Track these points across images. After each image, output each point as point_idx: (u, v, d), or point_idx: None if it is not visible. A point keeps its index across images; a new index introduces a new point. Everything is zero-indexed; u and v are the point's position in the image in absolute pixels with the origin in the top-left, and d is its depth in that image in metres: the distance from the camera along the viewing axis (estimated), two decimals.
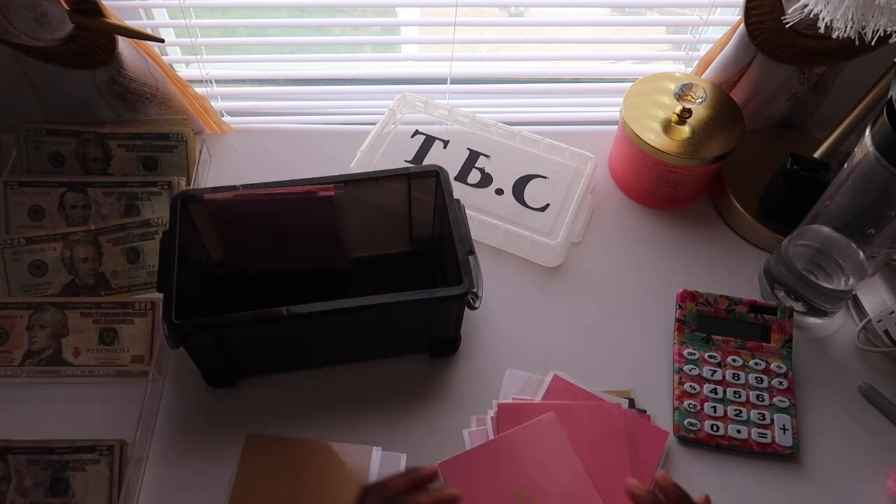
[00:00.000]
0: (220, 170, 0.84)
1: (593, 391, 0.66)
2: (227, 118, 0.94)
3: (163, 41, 0.74)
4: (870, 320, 0.71)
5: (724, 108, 0.79)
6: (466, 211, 0.66)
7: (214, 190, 0.64)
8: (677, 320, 0.71)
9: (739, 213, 0.79)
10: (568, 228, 0.76)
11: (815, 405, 0.68)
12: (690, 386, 0.67)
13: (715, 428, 0.64)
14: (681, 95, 0.76)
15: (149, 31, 0.73)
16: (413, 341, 0.68)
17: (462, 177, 0.81)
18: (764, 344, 0.69)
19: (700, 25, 0.91)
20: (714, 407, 0.65)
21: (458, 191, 0.76)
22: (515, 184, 0.81)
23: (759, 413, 0.65)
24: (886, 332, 0.69)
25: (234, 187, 0.64)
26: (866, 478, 0.64)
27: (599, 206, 0.83)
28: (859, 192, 0.63)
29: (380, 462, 0.62)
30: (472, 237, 0.64)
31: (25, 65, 0.73)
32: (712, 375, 0.67)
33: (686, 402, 0.66)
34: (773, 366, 0.68)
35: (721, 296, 0.71)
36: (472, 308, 0.61)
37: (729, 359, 0.68)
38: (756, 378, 0.67)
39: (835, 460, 0.64)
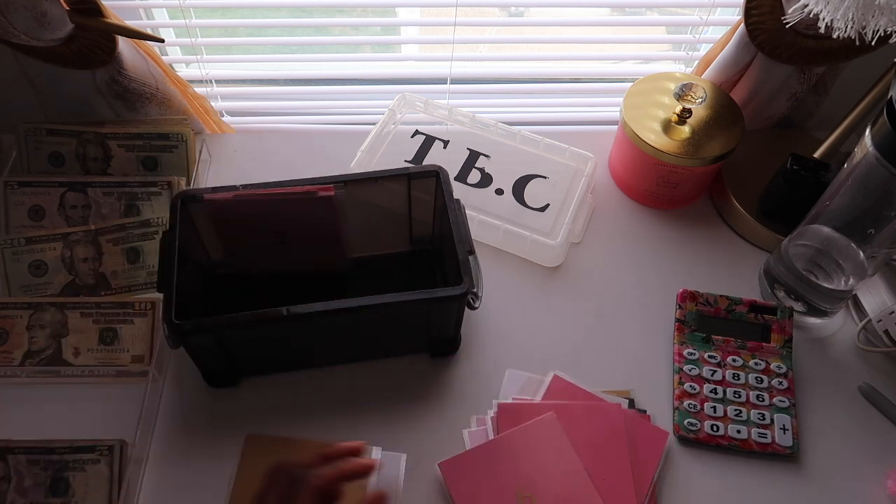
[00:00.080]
0: (220, 170, 0.84)
1: (593, 391, 0.67)
2: (227, 118, 0.94)
3: (163, 41, 0.74)
4: (870, 320, 0.71)
5: (724, 108, 0.79)
6: (466, 211, 0.66)
7: (214, 190, 0.64)
8: (677, 320, 0.71)
9: (739, 213, 0.79)
10: (568, 228, 0.76)
11: (815, 405, 0.68)
12: (690, 386, 0.67)
13: (715, 428, 0.64)
14: (681, 95, 0.76)
15: (149, 31, 0.73)
16: (413, 341, 0.68)
17: (462, 177, 0.81)
18: (764, 344, 0.69)
19: (700, 25, 0.91)
20: (714, 407, 0.65)
21: (458, 191, 0.76)
22: (515, 184, 0.81)
23: (759, 413, 0.65)
24: (886, 332, 0.69)
25: (234, 187, 0.64)
26: (866, 478, 0.64)
27: (599, 206, 0.83)
28: (859, 192, 0.63)
29: (380, 462, 0.62)
30: (472, 237, 0.64)
31: (25, 65, 0.73)
32: (712, 375, 0.67)
33: (686, 402, 0.66)
34: (773, 366, 0.68)
35: (721, 296, 0.71)
36: (472, 308, 0.61)
37: (729, 359, 0.68)
38: (756, 378, 0.67)
39: (835, 460, 0.64)
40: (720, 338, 0.69)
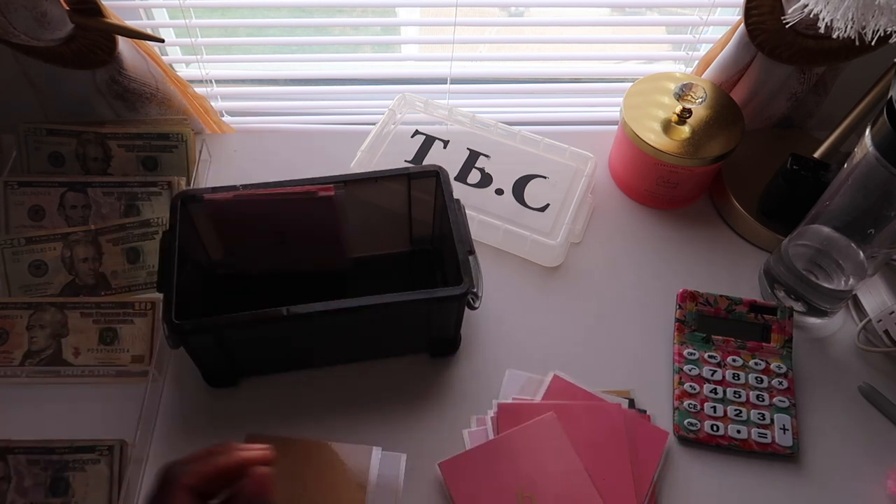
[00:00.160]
0: (220, 170, 0.84)
1: (593, 391, 0.66)
2: (227, 118, 0.94)
3: (163, 41, 0.74)
4: (870, 320, 0.71)
5: (724, 108, 0.79)
6: (466, 211, 0.66)
7: (214, 190, 0.64)
8: (677, 320, 0.71)
9: (739, 213, 0.79)
10: (568, 228, 0.76)
11: (815, 405, 0.68)
12: (690, 386, 0.67)
13: (715, 428, 0.64)
14: (681, 95, 0.76)
15: (149, 31, 0.73)
16: (413, 341, 0.68)
17: (462, 177, 0.81)
18: (764, 344, 0.69)
19: (700, 25, 0.91)
20: (714, 407, 0.65)
21: (458, 191, 0.76)
22: (515, 184, 0.81)
23: (759, 413, 0.65)
24: (886, 332, 0.69)
25: (234, 187, 0.64)
26: (866, 478, 0.64)
27: (599, 206, 0.83)
28: (859, 192, 0.63)
29: (380, 462, 0.62)
30: (472, 237, 0.64)
31: (25, 65, 0.73)
32: (712, 375, 0.67)
33: (686, 402, 0.66)
34: (773, 366, 0.68)
35: (721, 296, 0.71)
36: (472, 308, 0.60)
37: (729, 359, 0.68)
38: (756, 378, 0.67)
39: (835, 460, 0.64)
40: (720, 338, 0.69)
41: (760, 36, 0.74)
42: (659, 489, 0.62)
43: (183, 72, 0.91)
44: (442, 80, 0.93)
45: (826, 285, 0.70)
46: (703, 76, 0.84)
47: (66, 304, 0.67)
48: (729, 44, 0.79)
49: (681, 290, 0.72)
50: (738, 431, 0.64)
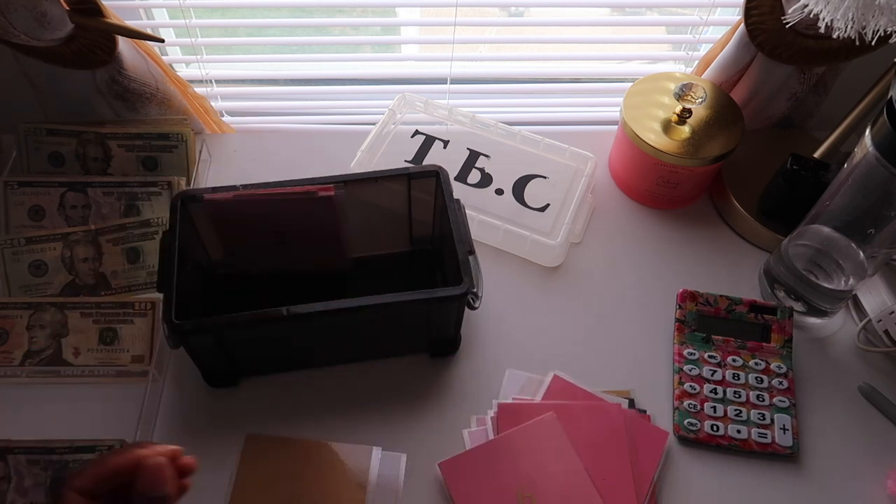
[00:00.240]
0: (220, 170, 0.84)
1: (593, 391, 0.66)
2: (227, 118, 0.94)
3: (163, 41, 0.74)
4: (870, 320, 0.71)
5: (724, 108, 0.79)
6: (466, 211, 0.66)
7: (214, 190, 0.64)
8: (677, 320, 0.71)
9: (739, 213, 0.79)
10: (568, 228, 0.76)
11: (815, 405, 0.68)
12: (690, 386, 0.67)
13: (715, 428, 0.64)
14: (681, 95, 0.76)
15: (149, 31, 0.73)
16: (413, 341, 0.68)
17: (462, 177, 0.81)
18: (764, 344, 0.69)
19: (700, 25, 0.91)
20: (714, 407, 0.65)
21: (458, 191, 0.76)
22: (515, 184, 0.81)
23: (759, 413, 0.65)
24: (886, 332, 0.69)
25: (234, 187, 0.64)
26: (866, 478, 0.64)
27: (599, 206, 0.83)
28: (859, 192, 0.63)
29: (380, 462, 0.62)
30: (472, 237, 0.64)
31: (25, 65, 0.73)
32: (712, 375, 0.67)
33: (686, 402, 0.66)
34: (773, 366, 0.68)
35: (721, 296, 0.71)
36: (472, 308, 0.60)
37: (729, 359, 0.68)
38: (756, 378, 0.67)
39: (835, 460, 0.64)
40: (720, 338, 0.69)
41: (760, 36, 0.74)
42: (659, 489, 0.62)
43: (183, 72, 0.91)
44: (442, 80, 0.93)
45: (826, 285, 0.70)
46: (703, 76, 0.84)
47: (66, 304, 0.67)
48: (729, 44, 0.79)
49: (681, 290, 0.72)
50: (738, 431, 0.64)
